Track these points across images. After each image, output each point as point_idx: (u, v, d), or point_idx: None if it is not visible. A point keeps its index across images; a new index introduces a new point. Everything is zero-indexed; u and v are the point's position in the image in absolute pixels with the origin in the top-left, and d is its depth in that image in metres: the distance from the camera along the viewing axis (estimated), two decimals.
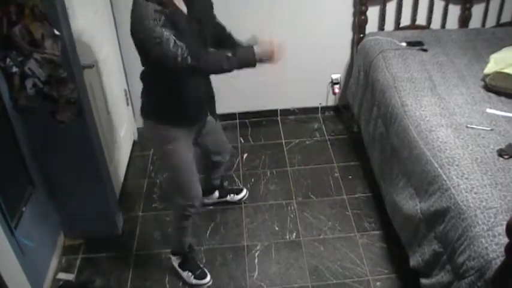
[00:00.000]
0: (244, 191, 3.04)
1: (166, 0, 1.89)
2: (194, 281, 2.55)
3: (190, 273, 2.56)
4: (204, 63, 1.92)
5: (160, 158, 2.30)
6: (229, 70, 1.96)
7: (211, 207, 2.97)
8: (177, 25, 1.88)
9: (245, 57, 1.96)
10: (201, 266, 2.61)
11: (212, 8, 2.17)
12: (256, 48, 1.96)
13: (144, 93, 2.21)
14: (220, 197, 2.98)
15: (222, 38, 2.19)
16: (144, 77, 2.15)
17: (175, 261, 2.61)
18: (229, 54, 1.93)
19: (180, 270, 2.59)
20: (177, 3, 1.95)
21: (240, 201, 3.01)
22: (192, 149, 2.30)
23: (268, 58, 1.98)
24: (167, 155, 2.24)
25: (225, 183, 3.08)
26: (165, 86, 2.08)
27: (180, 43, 1.83)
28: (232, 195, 3.00)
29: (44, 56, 2.02)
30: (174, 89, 2.07)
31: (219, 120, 2.51)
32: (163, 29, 1.82)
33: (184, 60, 1.84)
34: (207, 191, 2.88)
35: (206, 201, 2.91)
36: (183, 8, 1.99)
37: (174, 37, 1.83)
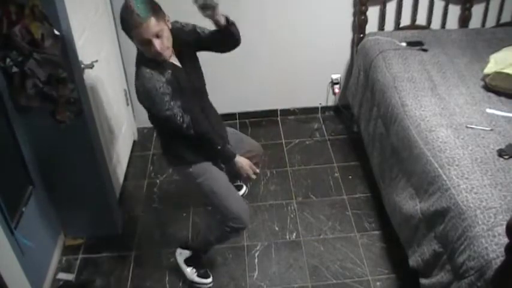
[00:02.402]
0: (244, 187, 3.04)
1: (165, 63, 2.01)
2: (197, 279, 2.55)
3: (194, 270, 2.56)
4: (202, 137, 2.15)
5: (201, 192, 2.36)
6: (217, 152, 2.21)
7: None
8: (179, 83, 2.04)
9: (229, 151, 2.24)
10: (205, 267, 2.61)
11: (198, 35, 2.17)
12: (237, 161, 2.25)
13: (163, 143, 2.33)
14: None
15: (216, 34, 2.17)
16: (159, 133, 2.37)
17: (181, 255, 2.58)
18: (220, 145, 2.20)
19: (183, 265, 2.57)
20: (173, 62, 2.07)
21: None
22: (223, 171, 2.34)
23: (241, 173, 2.28)
24: (204, 186, 2.29)
25: None
26: (181, 137, 2.17)
27: (185, 116, 2.05)
28: None
29: (44, 56, 2.02)
30: (189, 137, 2.16)
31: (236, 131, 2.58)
32: (172, 104, 2.00)
33: (188, 130, 2.09)
34: None
35: None
36: (177, 63, 2.09)
37: (180, 110, 2.03)
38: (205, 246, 2.55)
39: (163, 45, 1.93)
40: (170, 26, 1.99)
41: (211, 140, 2.18)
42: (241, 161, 2.27)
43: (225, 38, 2.13)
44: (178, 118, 2.04)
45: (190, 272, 2.56)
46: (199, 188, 2.30)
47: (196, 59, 2.23)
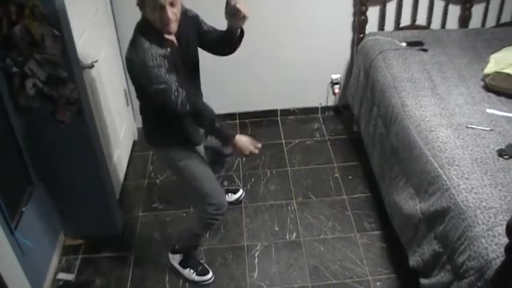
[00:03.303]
0: (241, 190, 3.04)
1: (165, 40, 1.99)
2: (197, 278, 2.55)
3: (192, 271, 2.56)
4: (198, 114, 2.08)
5: (179, 176, 2.39)
6: (212, 128, 2.12)
7: None
8: (175, 63, 1.99)
9: (226, 132, 2.13)
10: (202, 262, 2.61)
11: (203, 29, 2.20)
12: (235, 138, 2.12)
13: (145, 124, 2.30)
14: None
15: (223, 37, 2.20)
16: (142, 111, 2.26)
17: (174, 260, 2.61)
18: (215, 118, 2.10)
19: (180, 268, 2.58)
20: (171, 38, 2.04)
21: (237, 201, 3.00)
22: (204, 158, 2.35)
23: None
24: (182, 170, 2.29)
25: (225, 183, 3.09)
26: (165, 119, 2.15)
27: (181, 90, 1.96)
28: (230, 194, 2.99)
29: (44, 56, 2.02)
30: (174, 120, 2.15)
31: None
32: (167, 76, 1.93)
33: (183, 106, 1.99)
34: None
35: None
36: (175, 41, 2.07)
37: (176, 83, 1.95)
38: (192, 242, 2.56)
39: (175, 15, 1.93)
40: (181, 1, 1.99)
41: (209, 117, 2.10)
42: (241, 139, 2.16)
43: (230, 42, 2.16)
44: (174, 91, 1.96)
45: (188, 273, 2.57)
46: (180, 172, 2.31)
47: (194, 45, 2.20)
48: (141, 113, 2.28)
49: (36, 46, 2.00)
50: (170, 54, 1.99)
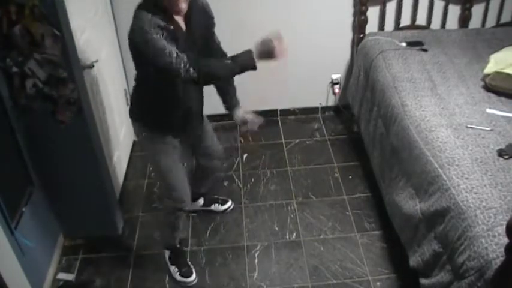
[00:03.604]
0: (230, 202, 2.98)
1: (169, 16, 1.93)
2: (179, 278, 2.57)
3: (176, 269, 2.58)
4: (206, 73, 1.91)
5: (148, 159, 2.38)
6: (231, 76, 2.03)
7: (194, 214, 2.94)
8: (176, 43, 1.90)
9: (245, 62, 1.91)
10: (190, 264, 2.61)
11: (212, 30, 2.18)
12: (255, 50, 1.90)
13: (134, 96, 2.25)
14: (204, 205, 2.95)
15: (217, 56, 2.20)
16: (137, 80, 2.19)
17: (166, 254, 2.63)
18: (229, 61, 1.93)
19: (168, 263, 2.61)
20: (178, 21, 1.99)
21: (223, 211, 2.95)
22: (179, 154, 2.32)
23: (269, 56, 1.91)
24: (153, 155, 2.31)
25: (225, 183, 3.09)
26: (155, 94, 2.12)
27: (182, 55, 1.84)
28: (217, 205, 2.96)
29: (44, 56, 2.02)
30: (164, 99, 2.12)
31: (208, 123, 2.51)
32: (166, 42, 1.84)
33: (187, 72, 1.85)
34: (192, 197, 2.84)
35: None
36: (183, 26, 2.02)
37: (176, 49, 1.85)
38: (171, 241, 2.57)
39: None
40: None
41: (223, 74, 1.98)
42: (262, 43, 1.94)
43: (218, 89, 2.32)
44: (174, 56, 1.83)
45: (173, 270, 2.59)
46: (150, 156, 2.34)
47: (204, 37, 2.13)
48: (135, 80, 2.19)
49: (36, 46, 2.00)
50: (173, 33, 1.90)
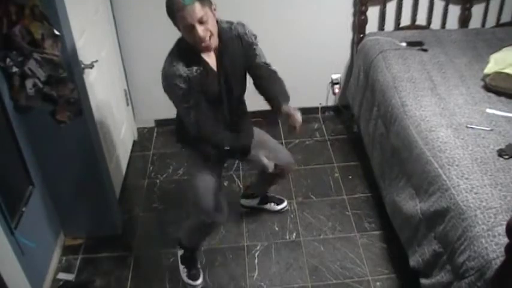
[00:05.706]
0: (285, 202, 2.96)
1: (198, 57, 1.98)
2: (186, 279, 2.56)
3: (185, 270, 2.57)
4: (203, 135, 2.10)
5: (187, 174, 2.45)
6: (222, 147, 2.15)
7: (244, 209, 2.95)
8: (202, 85, 2.01)
9: (237, 146, 2.21)
10: (199, 267, 2.60)
11: (254, 55, 2.16)
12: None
13: (176, 119, 2.29)
14: (260, 203, 2.93)
15: (264, 77, 2.27)
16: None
17: (179, 252, 2.61)
18: (228, 140, 2.14)
19: (179, 262, 2.60)
20: (207, 59, 2.02)
21: (277, 212, 2.94)
22: (215, 171, 2.33)
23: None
24: (188, 171, 2.42)
25: (225, 184, 3.08)
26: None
27: (193, 113, 2.02)
28: (272, 204, 2.94)
29: (44, 56, 2.02)
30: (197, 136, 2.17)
31: (261, 134, 2.58)
32: (184, 92, 1.96)
33: (191, 127, 2.08)
34: (250, 194, 2.91)
35: (244, 203, 2.94)
36: (214, 65, 2.04)
37: (191, 104, 2.00)
38: (191, 240, 2.56)
39: (208, 31, 1.89)
40: (216, 14, 1.95)
41: (215, 144, 2.16)
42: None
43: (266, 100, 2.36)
44: (184, 111, 2.04)
45: (182, 270, 2.58)
46: (187, 171, 2.42)
47: (242, 69, 2.16)
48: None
49: (36, 46, 2.00)
50: (198, 76, 1.97)
